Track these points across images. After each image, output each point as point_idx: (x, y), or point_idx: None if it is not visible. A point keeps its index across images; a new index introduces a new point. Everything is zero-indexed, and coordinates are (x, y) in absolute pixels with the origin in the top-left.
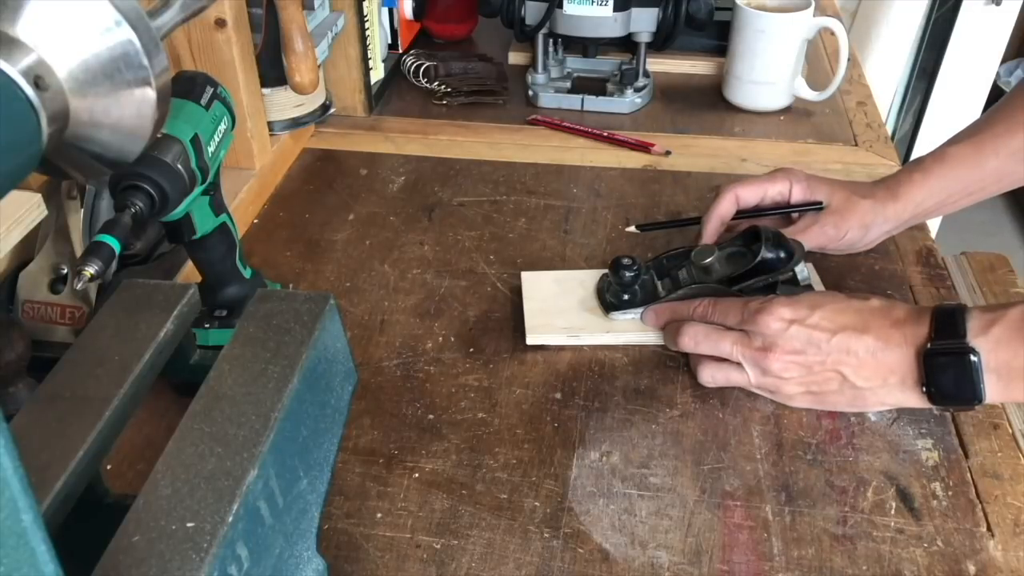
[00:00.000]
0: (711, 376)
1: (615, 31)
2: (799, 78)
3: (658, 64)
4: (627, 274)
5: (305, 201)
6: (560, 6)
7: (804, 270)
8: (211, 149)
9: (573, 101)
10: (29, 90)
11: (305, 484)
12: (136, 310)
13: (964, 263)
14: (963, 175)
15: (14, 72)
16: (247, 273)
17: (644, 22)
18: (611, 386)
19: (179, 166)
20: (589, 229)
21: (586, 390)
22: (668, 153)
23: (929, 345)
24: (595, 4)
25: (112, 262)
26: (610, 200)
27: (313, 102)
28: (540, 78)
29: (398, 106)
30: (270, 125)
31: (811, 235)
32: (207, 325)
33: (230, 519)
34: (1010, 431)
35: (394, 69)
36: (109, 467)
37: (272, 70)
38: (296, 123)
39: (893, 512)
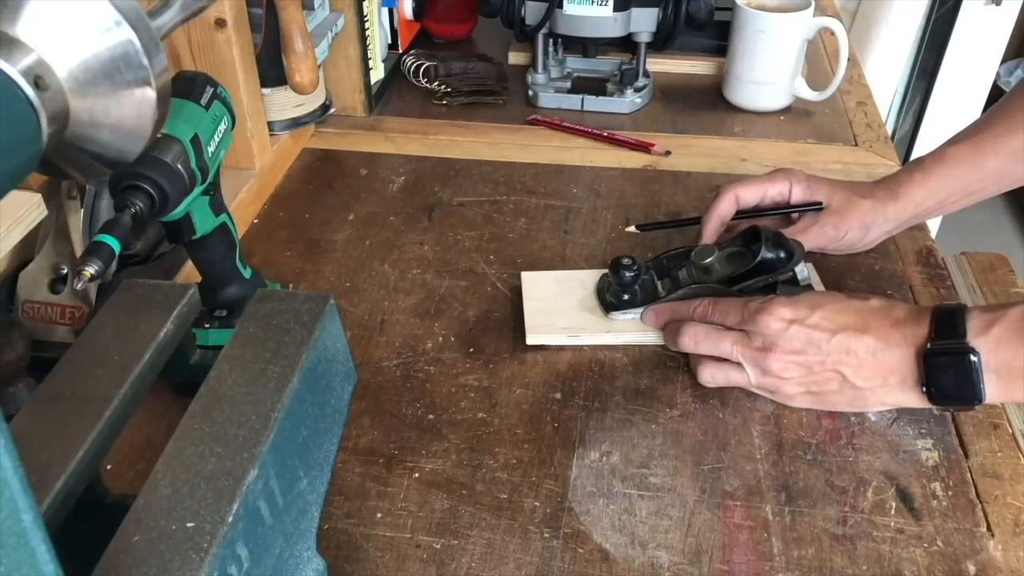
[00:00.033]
0: (711, 376)
1: (615, 31)
2: (799, 78)
3: (658, 64)
4: (627, 274)
5: (305, 201)
6: (560, 6)
7: (804, 270)
8: (211, 149)
9: (573, 101)
10: (29, 90)
11: (305, 484)
12: (136, 310)
13: (964, 263)
14: (963, 175)
15: (14, 72)
16: (247, 273)
17: (644, 22)
18: (611, 386)
19: (179, 166)
20: (589, 229)
21: (586, 390)
22: (668, 153)
23: (929, 345)
24: (595, 4)
25: (112, 262)
26: (610, 200)
27: (313, 102)
28: (540, 78)
29: (398, 106)
30: (270, 125)
31: (811, 235)
32: (207, 325)
33: (230, 519)
34: (1010, 431)
35: (394, 69)
36: (109, 467)
37: (272, 70)
38: (296, 123)
39: (893, 512)
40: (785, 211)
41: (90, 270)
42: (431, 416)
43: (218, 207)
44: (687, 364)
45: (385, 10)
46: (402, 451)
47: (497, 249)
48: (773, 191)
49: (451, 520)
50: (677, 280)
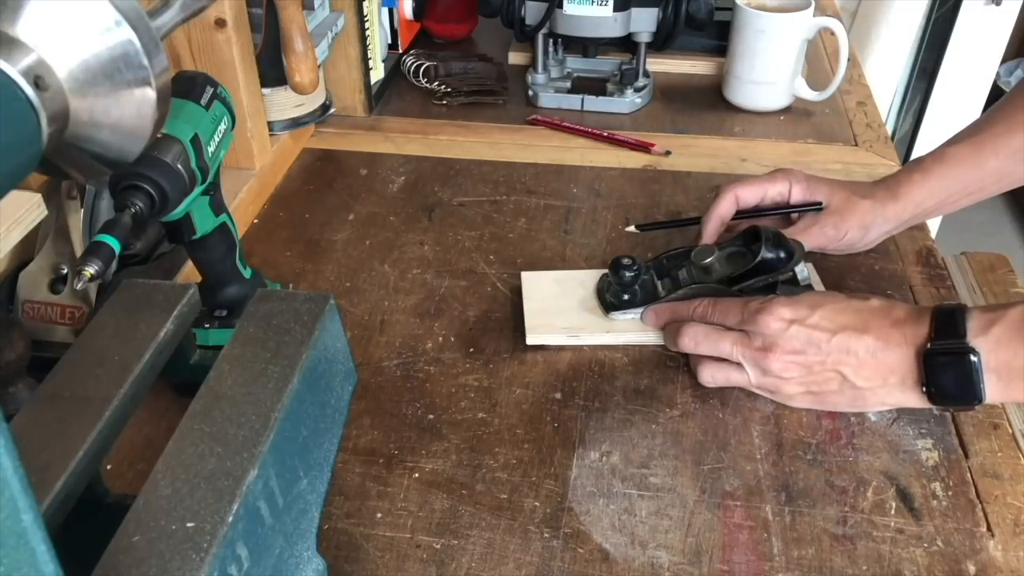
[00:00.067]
0: (711, 376)
1: (615, 31)
2: (799, 78)
3: (658, 64)
4: (627, 274)
5: (305, 201)
6: (560, 6)
7: (804, 270)
8: (211, 149)
9: (573, 101)
10: (29, 90)
11: (305, 484)
12: (136, 310)
13: (964, 263)
14: (963, 175)
15: (14, 72)
16: (247, 273)
17: (644, 22)
18: (611, 386)
19: (179, 166)
20: (589, 229)
21: (586, 390)
22: (668, 153)
23: (929, 345)
24: (595, 4)
25: (112, 262)
26: (610, 200)
27: (313, 102)
28: (540, 78)
29: (398, 106)
30: (270, 125)
31: (811, 235)
32: (207, 325)
33: (230, 519)
34: (1010, 431)
35: (394, 69)
36: (109, 467)
37: (272, 70)
38: (296, 123)
39: (893, 512)
40: (785, 211)
41: (90, 270)
42: (431, 416)
43: (218, 207)
44: (687, 364)
45: (385, 10)
46: (402, 451)
47: (497, 249)
48: (773, 191)
49: (451, 520)
50: (677, 280)
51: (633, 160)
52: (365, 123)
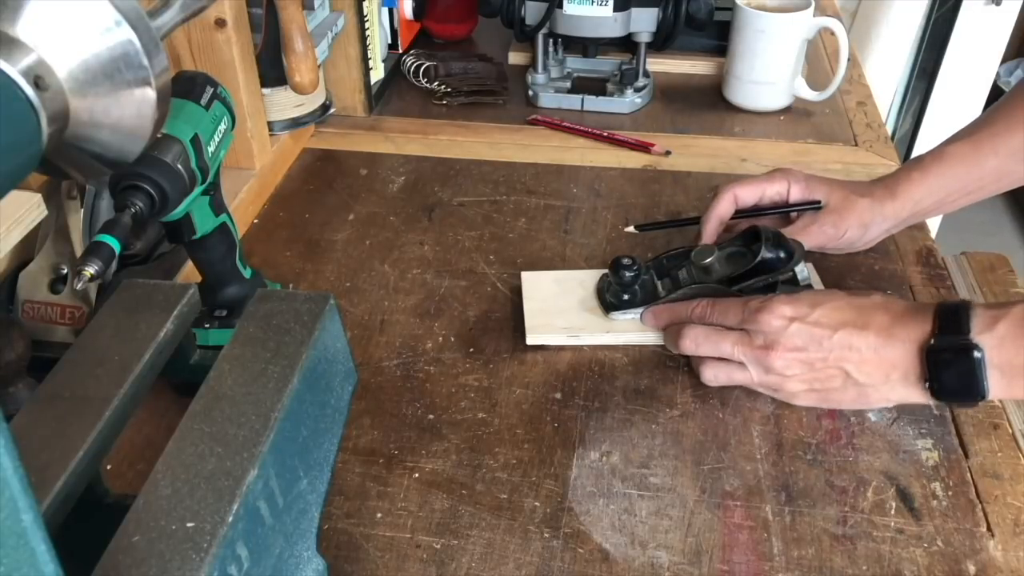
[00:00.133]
0: (713, 375)
1: (615, 31)
2: (799, 78)
3: (658, 64)
4: (627, 274)
5: (305, 201)
6: (560, 6)
7: (804, 270)
8: (211, 149)
9: (573, 101)
10: (29, 90)
11: (305, 484)
12: (136, 310)
13: (964, 263)
14: (962, 174)
15: (14, 72)
16: (247, 273)
17: (644, 22)
18: (611, 386)
19: (179, 166)
20: (589, 229)
21: (586, 390)
22: (668, 153)
23: (932, 341)
24: (595, 4)
25: (112, 262)
26: (610, 200)
27: (313, 102)
28: (540, 78)
29: (398, 106)
30: (270, 125)
31: (811, 234)
32: (207, 325)
33: (230, 519)
34: (1010, 431)
35: (394, 69)
36: (109, 467)
37: (272, 70)
38: (296, 123)
39: (893, 512)
40: (783, 210)
41: (90, 270)
42: (431, 416)
43: (218, 207)
44: (687, 364)
45: (385, 10)
46: (402, 451)
47: (497, 249)
48: (771, 191)
49: (451, 520)
50: (677, 280)
51: (633, 160)
52: (365, 123)
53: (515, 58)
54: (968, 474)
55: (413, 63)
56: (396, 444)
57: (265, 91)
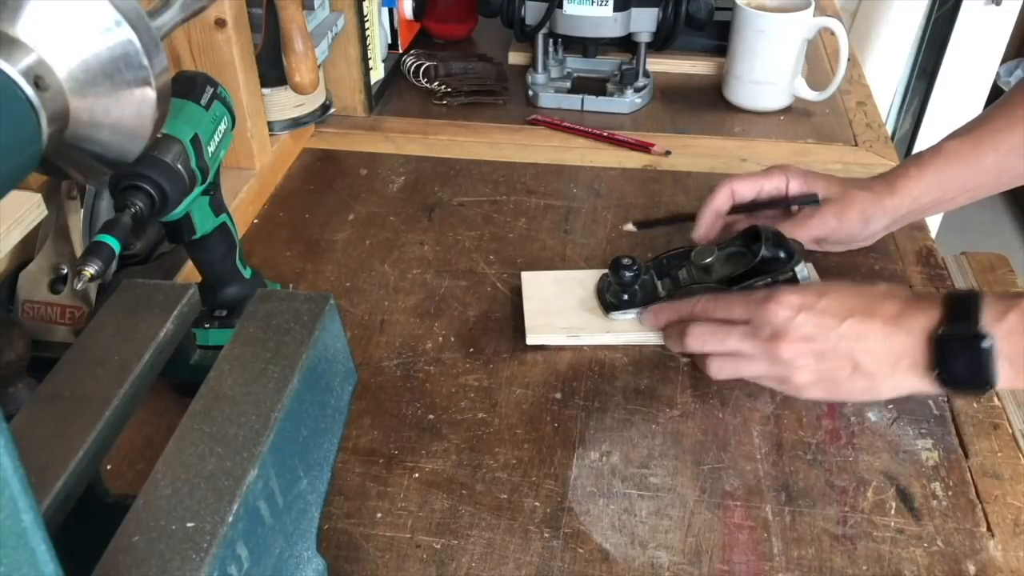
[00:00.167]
0: (719, 368)
1: (615, 31)
2: (799, 78)
3: (658, 64)
4: (627, 274)
5: (305, 201)
6: (560, 6)
7: (804, 270)
8: (211, 149)
9: (573, 101)
10: (29, 90)
11: (305, 484)
12: (136, 310)
13: (964, 263)
14: (961, 171)
15: (14, 72)
16: (247, 273)
17: (644, 22)
18: (611, 386)
19: (179, 166)
20: (589, 229)
21: (586, 390)
22: (668, 153)
23: (942, 330)
24: (595, 4)
25: (112, 262)
26: (610, 200)
27: (313, 102)
28: (540, 78)
29: (398, 106)
30: (270, 125)
31: (812, 225)
32: (207, 325)
33: (230, 519)
34: (1010, 431)
35: (394, 69)
36: (109, 467)
37: (272, 70)
38: (296, 123)
39: (893, 512)
40: (781, 203)
41: (90, 270)
42: (431, 416)
43: (218, 207)
44: (687, 364)
45: (385, 10)
46: (402, 451)
47: (497, 249)
48: (769, 185)
49: (451, 520)
50: (677, 280)
51: (633, 160)
52: (365, 123)
53: (515, 58)
54: (968, 474)
55: (413, 63)
56: (396, 444)
57: (265, 91)
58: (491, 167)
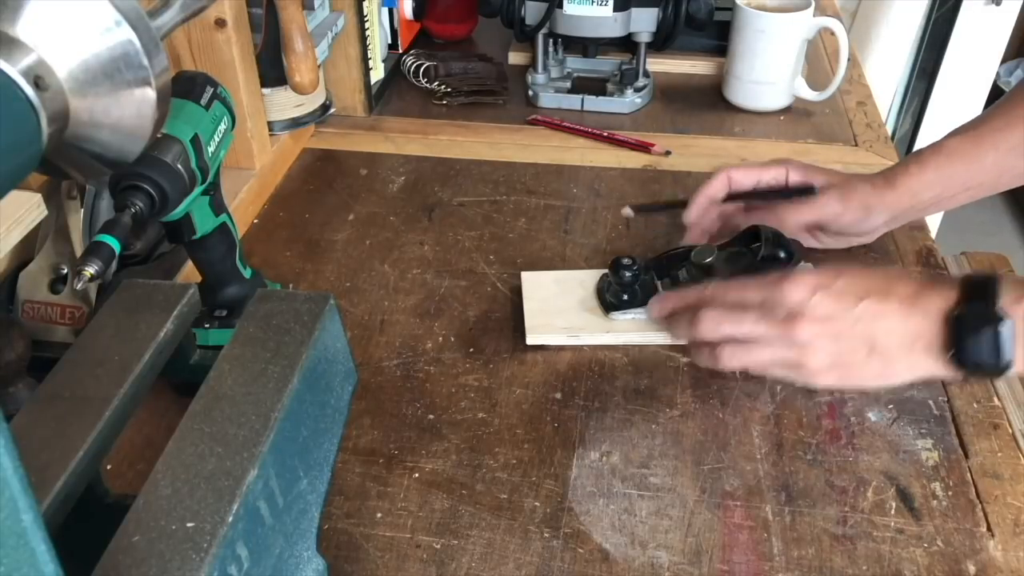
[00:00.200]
0: (731, 355)
1: (615, 31)
2: (799, 78)
3: (658, 64)
4: (627, 274)
5: (305, 201)
6: (560, 6)
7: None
8: (211, 149)
9: (573, 101)
10: (29, 90)
11: (305, 484)
12: (136, 310)
13: (964, 263)
14: (961, 168)
15: (14, 72)
16: (247, 273)
17: (644, 22)
18: (611, 386)
19: (179, 166)
20: (589, 229)
21: (586, 390)
22: (668, 153)
23: (959, 310)
24: (595, 4)
25: (112, 262)
26: (610, 200)
27: (313, 102)
28: (540, 78)
29: (398, 106)
30: (270, 125)
31: (814, 207)
32: (207, 325)
33: (230, 519)
34: (1010, 431)
35: (394, 69)
36: (109, 467)
37: (272, 70)
38: (296, 123)
39: (893, 512)
40: (778, 194)
41: (90, 270)
42: (431, 416)
43: (218, 207)
44: (688, 364)
45: (385, 10)
46: (402, 451)
47: (497, 249)
48: (768, 176)
49: (451, 520)
50: (677, 280)
51: (633, 160)
52: (365, 123)
53: (515, 58)
54: (968, 474)
55: (413, 63)
56: (396, 444)
57: (265, 91)
58: (491, 167)
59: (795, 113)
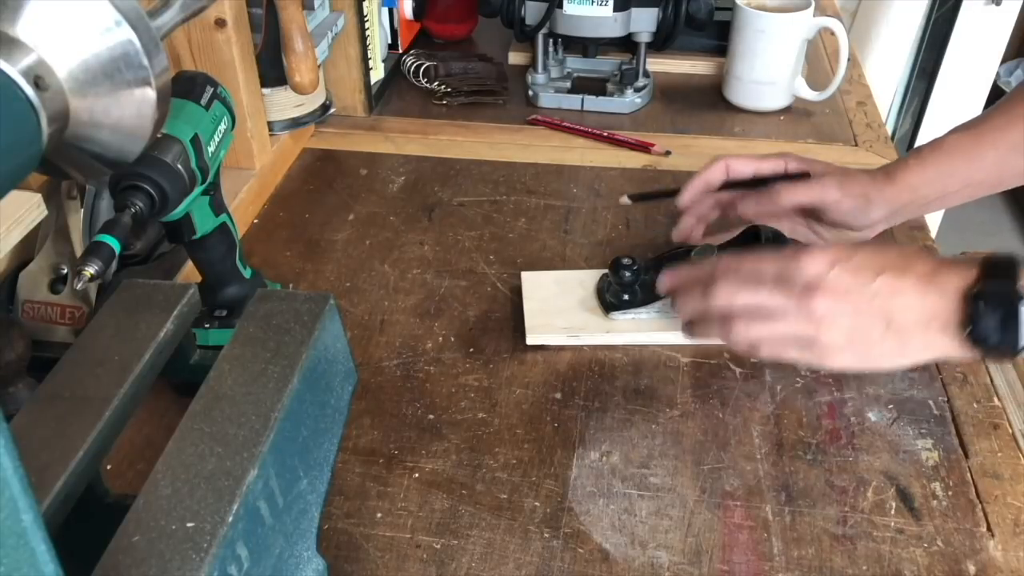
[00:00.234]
0: (745, 328)
1: (615, 31)
2: (799, 78)
3: (658, 64)
4: (627, 274)
5: (305, 201)
6: (560, 6)
7: None
8: (211, 149)
9: (573, 101)
10: (29, 90)
11: (305, 484)
12: (136, 310)
13: None
14: (961, 165)
15: (14, 72)
16: (247, 273)
17: (644, 22)
18: (611, 386)
19: (179, 166)
20: (589, 229)
21: (586, 390)
22: (668, 153)
23: (977, 287)
24: (595, 4)
25: (112, 262)
26: (610, 200)
27: (313, 102)
28: (540, 78)
29: (398, 106)
30: (270, 125)
31: (811, 189)
32: (207, 325)
33: (230, 519)
34: (1010, 431)
35: (394, 69)
36: (109, 467)
37: (272, 70)
38: (296, 123)
39: (893, 512)
40: (776, 180)
41: (90, 270)
42: (431, 416)
43: (218, 207)
44: (688, 364)
45: (385, 10)
46: (402, 451)
47: (497, 249)
48: (766, 167)
49: (451, 520)
50: None
51: (633, 160)
52: (365, 123)
53: (515, 58)
54: (968, 474)
55: (413, 63)
56: (396, 444)
57: (265, 91)
58: (491, 167)
59: (795, 113)
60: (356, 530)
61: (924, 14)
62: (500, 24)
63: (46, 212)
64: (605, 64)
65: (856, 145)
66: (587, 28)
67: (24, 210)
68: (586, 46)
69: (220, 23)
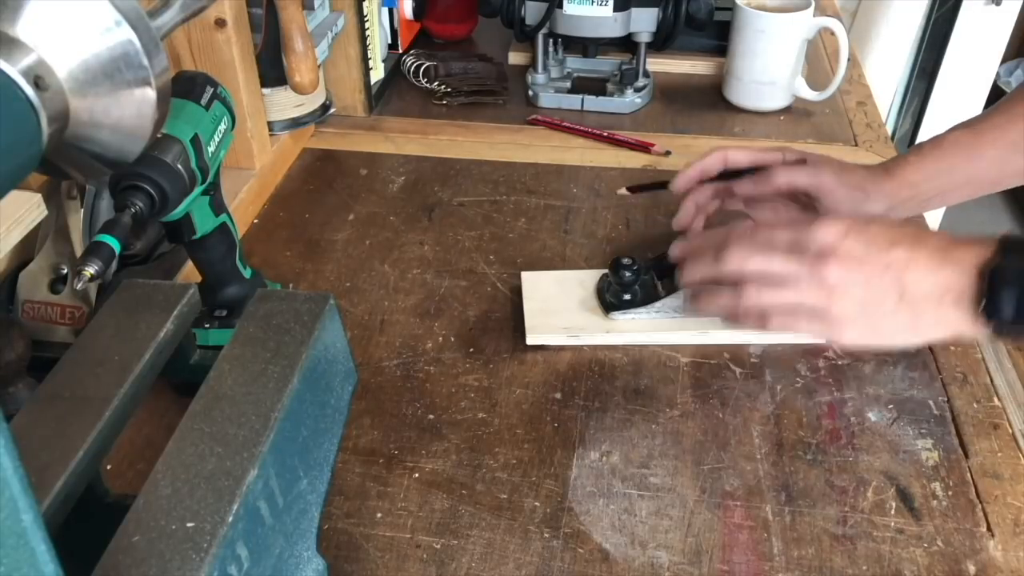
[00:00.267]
0: (757, 294)
1: (615, 31)
2: (799, 78)
3: (658, 64)
4: (627, 274)
5: (305, 201)
6: (560, 6)
7: None
8: (211, 149)
9: (573, 101)
10: (29, 90)
11: (305, 484)
12: (136, 310)
13: None
14: (960, 162)
15: (14, 72)
16: (247, 273)
17: (644, 22)
18: (611, 386)
19: (179, 166)
20: (589, 229)
21: (586, 390)
22: (668, 153)
23: (995, 263)
24: (595, 4)
25: (112, 262)
26: (610, 200)
27: (313, 102)
28: (540, 78)
29: (398, 106)
30: (270, 125)
31: (807, 173)
32: (207, 325)
33: (230, 519)
34: (1010, 431)
35: (394, 69)
36: (109, 467)
37: (272, 70)
38: (296, 123)
39: (893, 512)
40: (768, 164)
41: (90, 270)
42: (431, 416)
43: (218, 207)
44: (688, 364)
45: (385, 10)
46: (402, 451)
47: (497, 249)
48: (764, 157)
49: (451, 520)
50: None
51: (633, 160)
52: (365, 123)
53: (515, 58)
54: (968, 474)
55: (413, 63)
56: (396, 444)
57: (265, 91)
58: (491, 167)
59: (795, 113)
60: (356, 530)
61: (924, 14)
62: (500, 24)
63: (46, 212)
64: (605, 64)
65: (856, 145)
66: (587, 28)
67: (24, 210)
68: (586, 46)
69: (220, 23)
